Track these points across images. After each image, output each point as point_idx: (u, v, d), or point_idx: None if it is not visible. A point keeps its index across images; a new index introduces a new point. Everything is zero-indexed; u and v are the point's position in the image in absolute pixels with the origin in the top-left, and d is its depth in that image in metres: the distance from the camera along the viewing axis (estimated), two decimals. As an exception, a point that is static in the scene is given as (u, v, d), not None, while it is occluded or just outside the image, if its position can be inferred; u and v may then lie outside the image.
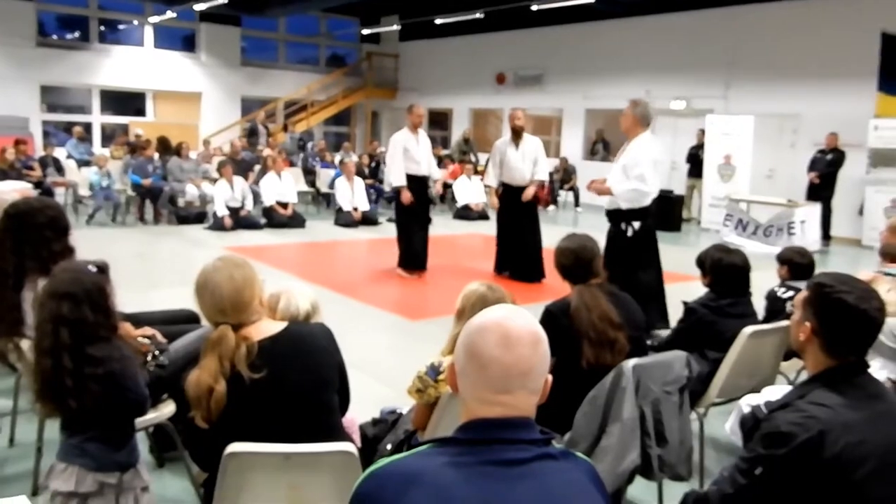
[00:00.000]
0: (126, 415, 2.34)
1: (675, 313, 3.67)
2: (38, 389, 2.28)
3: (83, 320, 2.22)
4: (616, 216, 5.75)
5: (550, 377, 1.35)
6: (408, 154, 7.80)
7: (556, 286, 6.35)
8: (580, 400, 2.77)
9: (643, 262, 5.74)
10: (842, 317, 1.83)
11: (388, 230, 11.50)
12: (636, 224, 5.67)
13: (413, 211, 7.90)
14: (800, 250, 4.19)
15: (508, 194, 8.11)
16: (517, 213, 8.07)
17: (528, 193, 7.97)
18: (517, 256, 8.10)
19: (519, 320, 1.31)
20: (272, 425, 2.10)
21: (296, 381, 2.14)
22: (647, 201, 5.66)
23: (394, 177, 7.86)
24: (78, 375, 2.20)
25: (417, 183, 7.88)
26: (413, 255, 8.08)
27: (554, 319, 2.95)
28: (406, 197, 7.76)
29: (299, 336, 2.23)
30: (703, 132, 13.22)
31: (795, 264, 4.00)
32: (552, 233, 9.50)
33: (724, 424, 3.33)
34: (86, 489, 2.22)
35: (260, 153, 14.03)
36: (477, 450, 1.25)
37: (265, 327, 2.20)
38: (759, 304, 3.79)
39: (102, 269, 2.38)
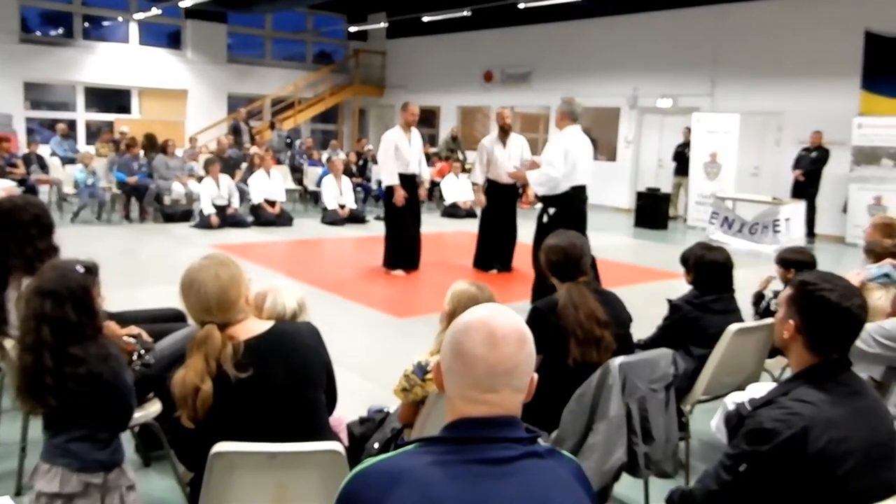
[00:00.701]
0: (112, 416, 2.33)
1: (659, 311, 3.69)
2: (18, 385, 2.27)
3: (65, 319, 2.21)
4: (541, 202, 6.40)
5: (536, 375, 1.35)
6: (398, 153, 7.79)
7: (529, 278, 6.46)
8: (567, 398, 2.78)
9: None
10: (824, 314, 1.85)
11: (375, 228, 11.48)
12: (551, 210, 6.19)
13: (403, 210, 7.89)
14: (797, 249, 4.15)
15: (494, 191, 8.14)
16: (503, 210, 8.15)
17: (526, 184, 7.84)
18: (498, 251, 8.17)
19: (504, 319, 1.32)
20: (258, 424, 2.10)
21: (282, 380, 2.14)
22: (561, 187, 6.13)
23: (386, 175, 7.84)
24: (58, 374, 2.19)
25: (407, 181, 7.87)
26: (402, 254, 8.07)
27: (541, 317, 2.95)
28: (399, 196, 7.74)
29: (285, 335, 2.23)
30: (689, 130, 13.29)
31: (801, 264, 3.95)
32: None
33: (709, 421, 3.35)
34: (70, 490, 2.21)
35: (247, 151, 13.96)
36: (462, 449, 1.25)
37: (252, 326, 2.19)
38: (743, 301, 3.82)
39: (91, 269, 2.37)
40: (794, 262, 3.98)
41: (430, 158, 14.46)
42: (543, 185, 6.19)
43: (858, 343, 2.83)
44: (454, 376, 1.32)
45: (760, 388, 2.97)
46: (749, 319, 3.81)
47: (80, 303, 2.25)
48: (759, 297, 4.17)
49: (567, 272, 3.07)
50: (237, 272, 2.22)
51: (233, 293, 2.17)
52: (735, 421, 2.17)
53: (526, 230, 8.46)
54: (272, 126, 16.62)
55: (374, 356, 5.30)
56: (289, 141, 15.75)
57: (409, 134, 7.91)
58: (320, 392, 2.25)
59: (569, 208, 6.15)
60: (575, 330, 2.88)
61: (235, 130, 15.83)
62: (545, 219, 6.16)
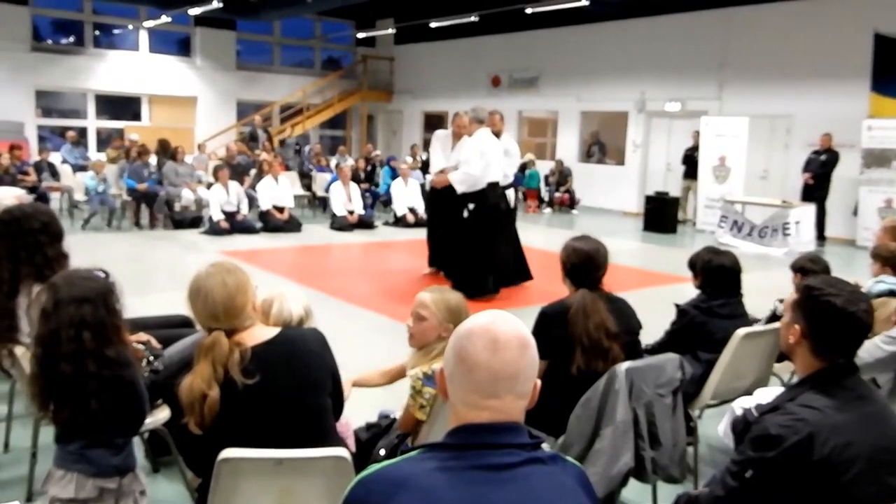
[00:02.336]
0: (128, 421, 2.35)
1: (667, 315, 3.68)
2: (42, 396, 2.25)
3: (103, 323, 2.23)
4: (458, 200, 6.93)
5: (539, 381, 1.36)
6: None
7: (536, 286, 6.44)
8: (573, 403, 2.78)
9: (479, 237, 6.85)
10: (830, 319, 1.84)
11: (383, 234, 11.51)
12: (471, 206, 6.78)
13: (441, 214, 7.60)
14: (811, 257, 4.10)
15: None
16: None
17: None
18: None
19: (506, 325, 1.33)
20: (265, 430, 2.11)
21: (288, 386, 2.15)
22: (479, 185, 6.74)
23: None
24: (98, 378, 2.21)
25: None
26: (432, 254, 7.94)
27: (548, 322, 2.93)
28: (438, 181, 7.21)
29: (292, 341, 2.24)
30: (698, 133, 13.25)
31: (806, 271, 3.91)
32: (550, 236, 9.45)
33: (717, 426, 3.34)
34: (86, 495, 2.23)
35: (257, 157, 14.03)
36: (465, 455, 1.26)
37: (258, 333, 2.21)
38: (751, 305, 3.80)
39: (107, 275, 2.40)
40: (810, 272, 3.91)
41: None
42: (465, 184, 6.79)
43: (863, 355, 2.81)
44: (457, 382, 1.33)
45: (768, 393, 2.96)
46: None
47: (110, 306, 2.28)
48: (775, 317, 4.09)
49: (584, 277, 3.01)
50: (244, 279, 2.24)
51: (239, 300, 2.19)
52: (741, 427, 2.17)
53: (550, 237, 8.47)
54: (282, 144, 16.57)
55: (381, 361, 5.28)
56: (297, 147, 15.76)
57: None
58: (326, 397, 2.26)
59: (486, 203, 6.80)
60: (582, 338, 2.85)
61: (252, 137, 15.84)
62: (465, 214, 6.75)
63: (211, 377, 2.09)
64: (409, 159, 15.04)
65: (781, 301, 4.07)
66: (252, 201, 11.76)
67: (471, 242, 6.93)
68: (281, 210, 11.60)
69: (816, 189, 11.61)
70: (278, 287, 3.01)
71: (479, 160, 6.73)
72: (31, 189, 10.88)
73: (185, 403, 2.10)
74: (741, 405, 2.79)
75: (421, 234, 8.73)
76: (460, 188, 6.81)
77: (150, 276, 8.02)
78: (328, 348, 2.31)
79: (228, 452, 2.03)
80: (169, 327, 3.59)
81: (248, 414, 2.11)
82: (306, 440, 2.12)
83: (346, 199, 12.14)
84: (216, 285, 2.18)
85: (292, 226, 11.53)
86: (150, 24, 17.40)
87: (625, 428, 2.68)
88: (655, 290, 7.60)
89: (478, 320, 1.35)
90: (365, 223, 12.02)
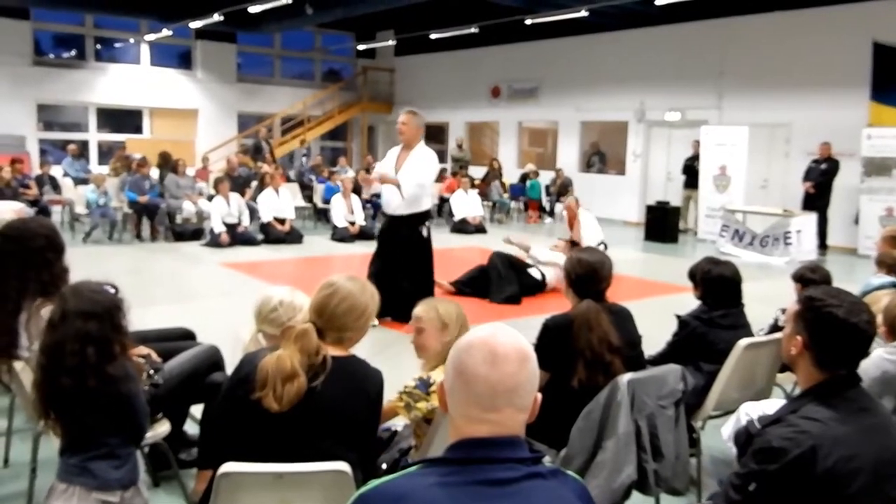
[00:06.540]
0: (130, 434, 2.35)
1: (668, 326, 3.67)
2: (42, 405, 2.28)
3: (108, 339, 2.24)
4: (413, 220, 6.28)
5: (540, 395, 1.35)
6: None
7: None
8: (575, 415, 2.76)
9: (429, 259, 6.49)
10: (832, 330, 1.83)
11: (384, 244, 11.49)
12: (428, 223, 6.39)
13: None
14: (812, 267, 4.09)
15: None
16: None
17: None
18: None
19: (505, 338, 1.32)
20: (304, 443, 2.11)
21: (336, 410, 2.16)
22: (424, 205, 6.33)
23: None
24: (97, 393, 2.21)
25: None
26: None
27: (550, 335, 2.93)
28: None
29: (360, 372, 2.28)
30: (698, 143, 13.27)
31: (807, 281, 3.91)
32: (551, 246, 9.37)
33: (720, 437, 3.32)
34: None
35: (259, 169, 14.03)
36: (465, 470, 1.25)
37: (333, 350, 2.24)
38: (753, 316, 3.79)
39: (117, 289, 2.41)
40: (811, 281, 3.91)
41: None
42: (414, 203, 6.18)
43: (870, 370, 2.79)
44: (457, 395, 1.32)
45: (775, 405, 2.95)
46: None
47: (116, 322, 2.28)
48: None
49: (588, 289, 3.02)
50: (372, 311, 2.32)
51: (357, 317, 2.27)
52: (744, 439, 2.16)
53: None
54: (291, 159, 16.51)
55: (386, 371, 5.28)
56: (306, 154, 15.64)
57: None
58: (349, 451, 2.21)
59: (429, 220, 6.45)
60: (584, 351, 2.85)
61: (257, 149, 15.82)
62: (425, 233, 6.33)
63: (301, 363, 2.12)
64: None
65: (783, 311, 4.07)
66: (253, 213, 11.76)
67: (424, 264, 6.42)
68: (282, 222, 11.60)
69: (817, 198, 11.61)
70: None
71: (429, 178, 6.26)
72: (33, 202, 10.89)
73: (268, 377, 2.09)
74: (747, 412, 2.78)
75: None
76: (404, 207, 6.11)
77: (151, 289, 8.01)
78: (382, 395, 2.34)
79: (228, 467, 2.02)
80: (169, 340, 3.58)
81: (311, 414, 2.12)
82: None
83: (348, 210, 12.16)
84: (354, 292, 2.26)
85: (293, 237, 11.53)
86: (151, 37, 17.47)
87: (627, 440, 2.66)
88: (656, 300, 7.58)
89: (477, 333, 1.35)
90: (366, 234, 12.02)
